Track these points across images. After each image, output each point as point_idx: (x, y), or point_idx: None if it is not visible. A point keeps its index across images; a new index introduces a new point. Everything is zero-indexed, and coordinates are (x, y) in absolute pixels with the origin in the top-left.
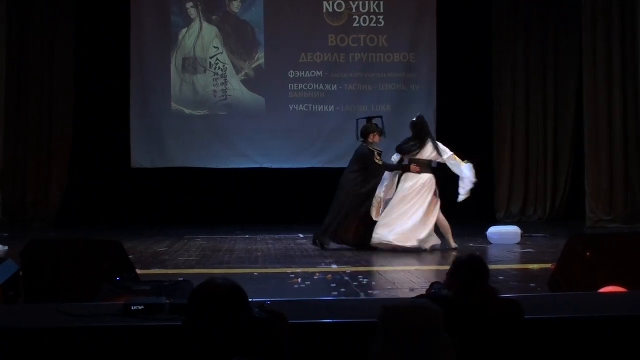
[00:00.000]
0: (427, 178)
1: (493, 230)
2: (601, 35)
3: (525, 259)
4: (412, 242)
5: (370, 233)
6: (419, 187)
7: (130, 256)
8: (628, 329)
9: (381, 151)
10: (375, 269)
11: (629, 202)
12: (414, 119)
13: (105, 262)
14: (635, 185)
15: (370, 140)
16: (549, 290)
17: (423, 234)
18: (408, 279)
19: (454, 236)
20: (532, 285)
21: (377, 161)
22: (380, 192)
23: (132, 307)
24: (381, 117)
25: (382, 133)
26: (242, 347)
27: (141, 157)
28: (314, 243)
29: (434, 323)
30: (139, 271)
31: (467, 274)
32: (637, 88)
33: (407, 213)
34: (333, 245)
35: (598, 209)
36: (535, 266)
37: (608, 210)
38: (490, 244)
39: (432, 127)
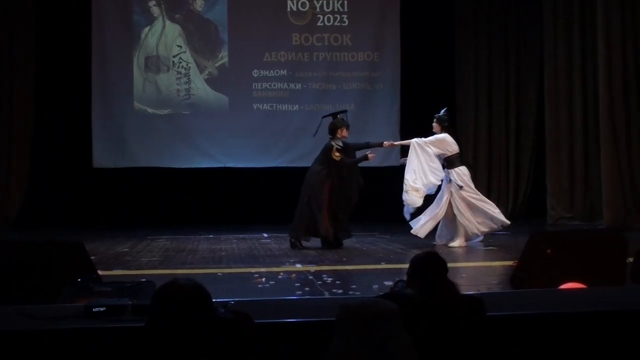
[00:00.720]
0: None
1: None
2: (562, 34)
3: (487, 256)
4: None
5: (336, 230)
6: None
7: (91, 257)
8: (587, 324)
9: (341, 146)
10: (339, 267)
11: (588, 200)
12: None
13: (66, 264)
14: (595, 183)
15: (338, 135)
16: (510, 287)
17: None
18: (373, 278)
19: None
20: (494, 282)
21: (334, 157)
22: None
23: (94, 309)
24: (345, 111)
25: (348, 127)
26: (206, 347)
27: (103, 157)
28: (292, 245)
29: (390, 321)
30: (100, 272)
31: (425, 271)
32: (597, 87)
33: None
34: (308, 243)
35: (559, 207)
36: (498, 263)
37: (568, 207)
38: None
39: (396, 126)
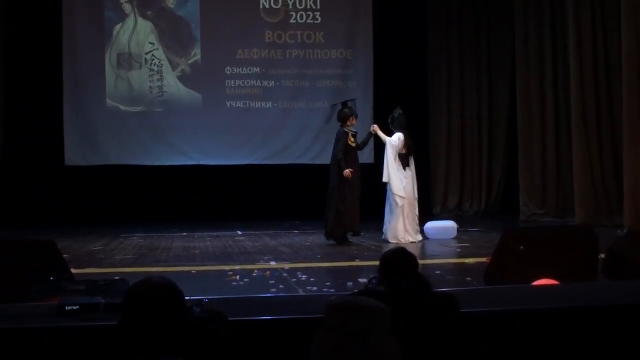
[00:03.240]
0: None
1: (429, 225)
2: (533, 32)
3: (461, 253)
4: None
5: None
6: None
7: (64, 255)
8: (560, 320)
9: (355, 132)
10: (313, 264)
11: (560, 196)
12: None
13: (38, 262)
14: (567, 180)
15: (348, 124)
16: (484, 283)
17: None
18: (347, 275)
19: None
20: (467, 278)
21: (350, 142)
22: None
23: (67, 307)
24: (354, 99)
25: (357, 116)
26: (180, 346)
27: (75, 154)
28: (329, 238)
29: (377, 318)
30: (73, 270)
31: (395, 267)
32: (568, 85)
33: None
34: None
35: (531, 203)
36: (471, 260)
37: (541, 204)
38: (427, 238)
39: (369, 123)
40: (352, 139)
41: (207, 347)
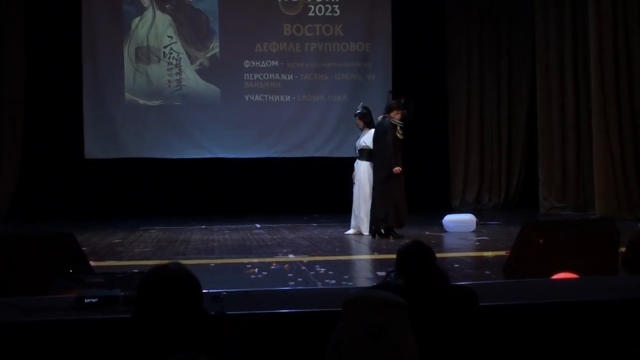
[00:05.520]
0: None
1: (449, 219)
2: (553, 25)
3: (480, 246)
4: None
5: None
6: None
7: (83, 248)
8: (579, 314)
9: (402, 124)
10: (332, 258)
11: (580, 190)
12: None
13: (57, 255)
14: (587, 173)
15: (392, 115)
16: (503, 277)
17: None
18: (364, 268)
19: (411, 225)
20: (487, 272)
21: (398, 135)
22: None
23: (86, 300)
24: (411, 102)
25: (404, 113)
26: (193, 341)
27: (94, 147)
28: (374, 234)
29: (396, 313)
30: (92, 263)
31: (411, 261)
32: (588, 77)
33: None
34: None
35: (551, 196)
36: (490, 253)
37: (560, 197)
38: (446, 232)
39: None
40: (400, 132)
41: (214, 345)
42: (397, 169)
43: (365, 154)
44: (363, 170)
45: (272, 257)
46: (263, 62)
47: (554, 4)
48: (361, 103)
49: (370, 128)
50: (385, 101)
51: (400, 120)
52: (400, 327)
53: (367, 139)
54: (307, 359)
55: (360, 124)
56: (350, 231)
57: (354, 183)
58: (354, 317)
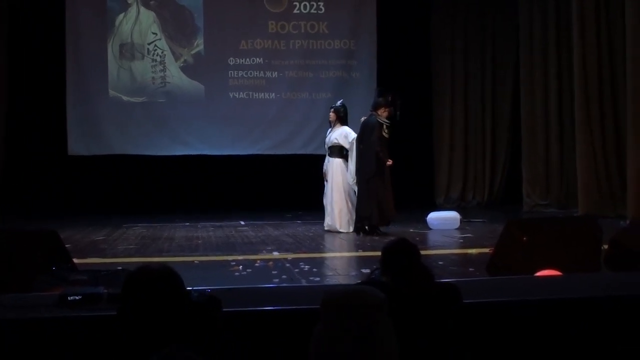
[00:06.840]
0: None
1: (433, 216)
2: (537, 21)
3: (464, 243)
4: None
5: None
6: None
7: (67, 245)
8: (562, 311)
9: (389, 123)
10: (316, 255)
11: (563, 187)
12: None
13: (40, 253)
14: (570, 170)
15: (379, 113)
16: (487, 274)
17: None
18: (349, 265)
19: (396, 222)
20: (470, 269)
21: (384, 134)
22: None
23: (69, 298)
24: (400, 101)
25: (391, 111)
26: (180, 334)
27: (78, 144)
28: (359, 232)
29: (375, 310)
30: (76, 260)
31: (397, 258)
32: (572, 75)
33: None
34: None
35: (534, 194)
36: (474, 251)
37: (544, 195)
38: (430, 229)
39: None
40: (386, 131)
41: (206, 333)
42: (389, 163)
43: (336, 151)
44: (336, 168)
45: (256, 254)
46: (248, 59)
47: (538, 5)
48: (341, 100)
49: (342, 125)
50: (373, 98)
51: (387, 118)
52: (379, 326)
53: (338, 135)
54: (291, 356)
55: (333, 117)
56: (326, 227)
57: (326, 181)
58: (333, 320)
